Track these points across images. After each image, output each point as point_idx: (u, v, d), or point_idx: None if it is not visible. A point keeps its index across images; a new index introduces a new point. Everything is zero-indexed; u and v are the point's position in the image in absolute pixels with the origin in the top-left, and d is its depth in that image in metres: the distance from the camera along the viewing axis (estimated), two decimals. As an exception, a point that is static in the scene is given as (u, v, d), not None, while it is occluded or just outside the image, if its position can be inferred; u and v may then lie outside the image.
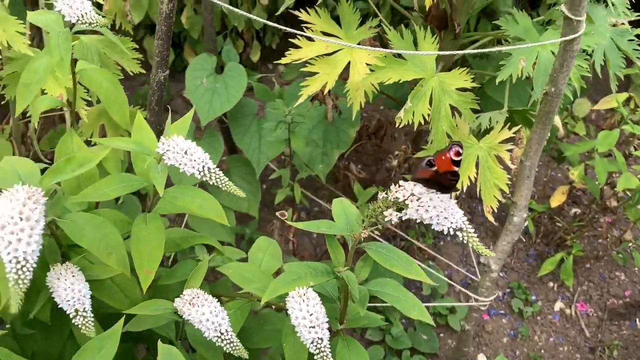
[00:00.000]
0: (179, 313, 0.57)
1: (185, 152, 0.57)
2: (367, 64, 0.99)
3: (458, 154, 0.52)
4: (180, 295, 0.58)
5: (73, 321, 0.52)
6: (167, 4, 0.74)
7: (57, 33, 0.59)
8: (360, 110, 1.01)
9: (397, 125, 0.90)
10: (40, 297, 0.58)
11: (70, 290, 0.52)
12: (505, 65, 0.91)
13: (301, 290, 0.56)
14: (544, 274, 1.44)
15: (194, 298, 0.56)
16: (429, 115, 0.92)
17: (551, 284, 1.48)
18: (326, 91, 0.99)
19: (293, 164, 1.24)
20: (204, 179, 0.58)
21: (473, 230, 0.53)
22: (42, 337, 0.67)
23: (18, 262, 0.42)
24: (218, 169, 0.59)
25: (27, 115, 1.15)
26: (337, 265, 0.60)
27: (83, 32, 0.81)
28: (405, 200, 0.51)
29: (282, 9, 0.99)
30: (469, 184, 1.03)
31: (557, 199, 1.37)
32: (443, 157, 0.51)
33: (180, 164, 0.57)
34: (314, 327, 0.53)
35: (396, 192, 0.52)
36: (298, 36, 1.02)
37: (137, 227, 0.63)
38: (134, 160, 0.65)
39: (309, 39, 1.02)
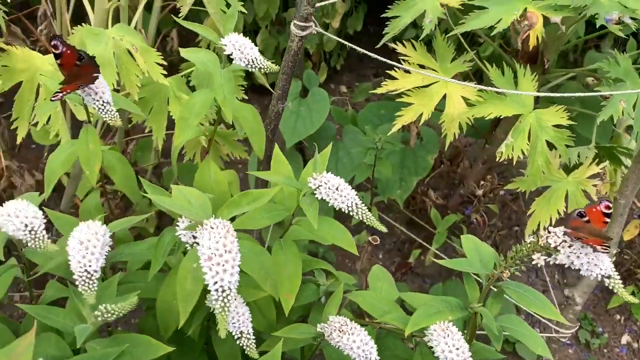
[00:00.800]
0: (327, 338, 0.60)
1: (337, 189, 0.61)
2: (462, 97, 1.03)
3: (608, 207, 0.55)
4: (327, 322, 0.61)
5: (238, 342, 0.56)
6: (297, 42, 0.78)
7: (219, 73, 0.64)
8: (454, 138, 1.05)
9: (497, 159, 0.93)
10: (197, 317, 0.62)
11: (235, 313, 0.56)
12: (607, 106, 0.93)
13: (443, 325, 0.59)
14: (613, 307, 1.44)
15: (342, 325, 0.59)
16: (527, 149, 0.95)
17: (618, 316, 1.48)
18: (422, 122, 1.03)
19: (372, 188, 1.27)
20: (351, 213, 0.62)
21: (619, 277, 0.55)
22: (176, 352, 0.71)
23: (223, 290, 0.46)
24: (362, 203, 0.63)
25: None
26: (471, 301, 0.63)
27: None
28: (557, 246, 0.54)
29: (382, 42, 1.03)
30: (557, 218, 1.05)
31: (630, 232, 1.37)
32: (594, 210, 0.55)
33: (330, 199, 0.61)
34: (461, 361, 0.56)
35: (547, 237, 0.55)
36: (395, 68, 1.07)
37: (275, 252, 0.67)
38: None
39: (406, 71, 1.05)
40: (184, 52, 0.70)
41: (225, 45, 0.61)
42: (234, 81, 0.64)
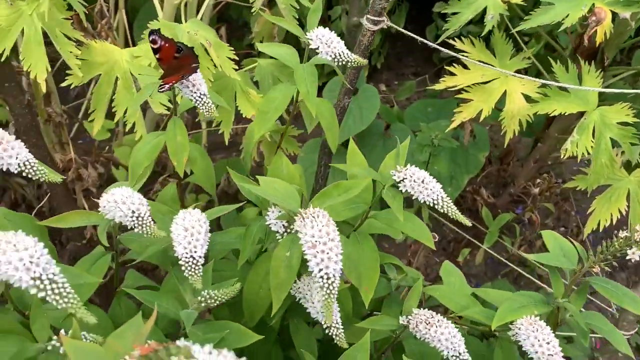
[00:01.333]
0: (412, 330, 0.61)
1: (422, 181, 0.61)
2: (522, 93, 1.02)
3: None
4: (412, 314, 0.61)
5: (327, 331, 0.57)
6: (368, 36, 0.79)
7: (301, 67, 0.65)
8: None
9: (562, 156, 0.92)
10: (281, 307, 0.63)
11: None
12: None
13: (530, 319, 0.59)
14: (665, 310, 1.41)
15: (428, 318, 0.59)
16: (592, 147, 0.94)
17: (669, 320, 1.44)
18: (482, 118, 1.02)
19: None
20: (436, 207, 0.62)
21: None
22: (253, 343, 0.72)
23: (328, 277, 0.47)
24: (448, 197, 0.63)
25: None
26: (557, 296, 0.62)
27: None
28: (655, 241, 0.53)
29: (441, 39, 1.03)
30: (618, 217, 1.03)
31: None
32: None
33: (415, 192, 0.61)
34: (552, 355, 0.56)
35: (643, 232, 0.54)
36: (454, 64, 1.06)
37: (353, 246, 0.67)
38: (351, 183, 0.69)
39: (464, 66, 1.05)
40: (262, 47, 0.71)
41: (312, 39, 0.62)
42: (317, 75, 0.64)
